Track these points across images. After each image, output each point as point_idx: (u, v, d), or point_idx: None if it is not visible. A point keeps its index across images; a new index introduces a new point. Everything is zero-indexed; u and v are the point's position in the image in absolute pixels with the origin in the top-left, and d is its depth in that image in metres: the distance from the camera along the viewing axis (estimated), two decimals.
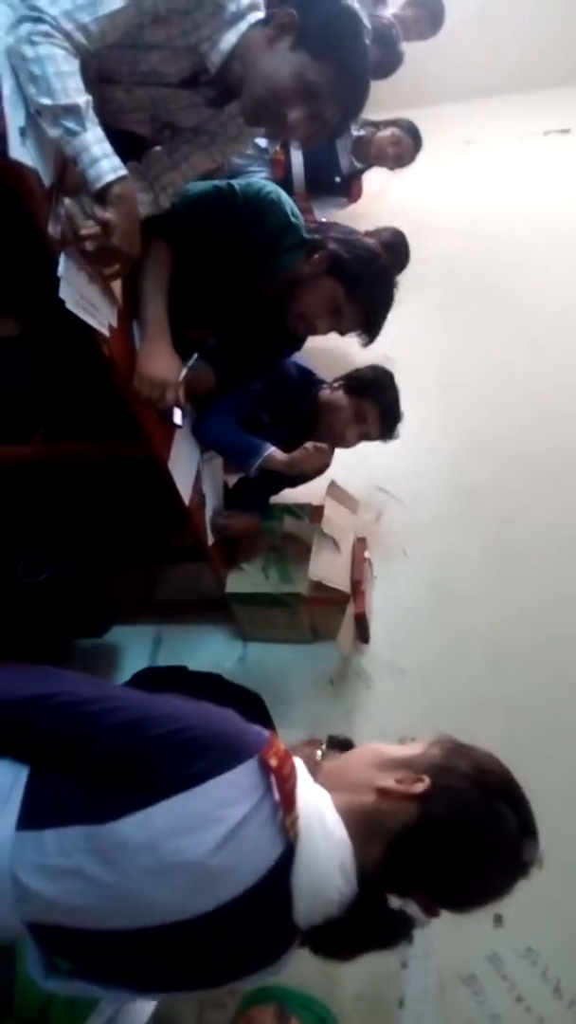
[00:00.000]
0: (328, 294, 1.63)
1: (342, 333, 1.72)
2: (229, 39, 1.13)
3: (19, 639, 1.92)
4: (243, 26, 1.13)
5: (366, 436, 1.99)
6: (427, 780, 0.81)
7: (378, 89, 2.71)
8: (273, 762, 0.77)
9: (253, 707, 1.94)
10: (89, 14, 1.02)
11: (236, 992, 1.50)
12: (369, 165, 2.89)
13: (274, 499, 2.21)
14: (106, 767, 0.77)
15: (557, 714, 2.01)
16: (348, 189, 2.89)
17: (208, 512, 1.94)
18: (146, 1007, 1.23)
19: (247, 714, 1.92)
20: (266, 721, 1.93)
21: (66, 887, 0.76)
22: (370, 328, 1.69)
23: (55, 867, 0.76)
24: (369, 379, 1.98)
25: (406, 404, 2.23)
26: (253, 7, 1.15)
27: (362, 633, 2.11)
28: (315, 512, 2.16)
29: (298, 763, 0.83)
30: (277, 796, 0.76)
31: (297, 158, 2.40)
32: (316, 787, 0.83)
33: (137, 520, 2.23)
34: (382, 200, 3.47)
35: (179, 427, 1.66)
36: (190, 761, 0.75)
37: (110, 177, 1.06)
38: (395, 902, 0.82)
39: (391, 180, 3.20)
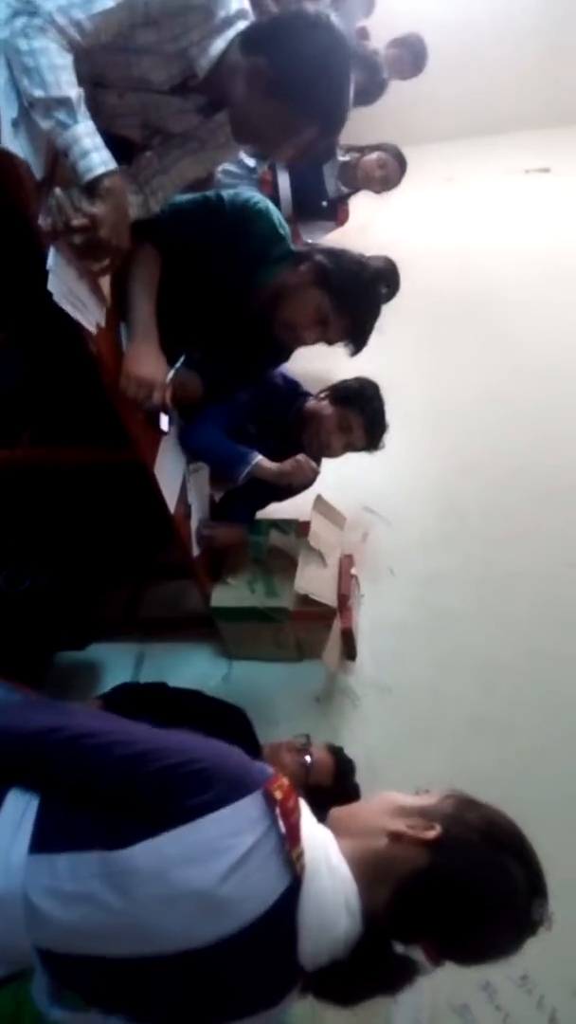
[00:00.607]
0: (315, 305, 1.65)
1: (329, 343, 1.73)
2: (217, 46, 1.16)
3: None
4: (231, 33, 1.16)
5: (351, 446, 1.97)
6: (438, 828, 0.82)
7: (361, 126, 2.85)
8: (278, 795, 0.79)
9: (235, 721, 1.90)
10: (84, 11, 1.04)
11: None
12: (356, 189, 2.96)
13: (260, 514, 2.20)
14: (114, 798, 0.79)
15: (547, 733, 1.98)
16: (335, 213, 2.95)
17: (194, 523, 1.92)
18: None
19: (229, 728, 1.89)
20: (250, 734, 1.89)
21: (77, 912, 0.77)
22: (356, 338, 1.70)
23: (67, 892, 0.77)
24: (354, 389, 1.97)
25: (392, 429, 2.26)
26: (241, 15, 1.18)
27: (349, 650, 2.08)
28: (301, 527, 2.14)
29: (301, 803, 0.83)
30: (283, 828, 0.77)
31: (284, 182, 2.45)
32: (320, 827, 0.84)
33: (122, 537, 2.21)
34: (367, 233, 3.55)
35: (165, 433, 1.65)
36: (197, 792, 0.77)
37: (100, 170, 1.07)
38: (400, 948, 0.83)
39: (376, 213, 3.29)
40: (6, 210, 1.35)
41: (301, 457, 1.85)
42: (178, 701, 1.90)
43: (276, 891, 0.76)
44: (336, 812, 0.90)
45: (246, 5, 1.19)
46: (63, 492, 2.03)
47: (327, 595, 1.97)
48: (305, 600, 1.96)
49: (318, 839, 0.81)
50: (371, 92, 2.67)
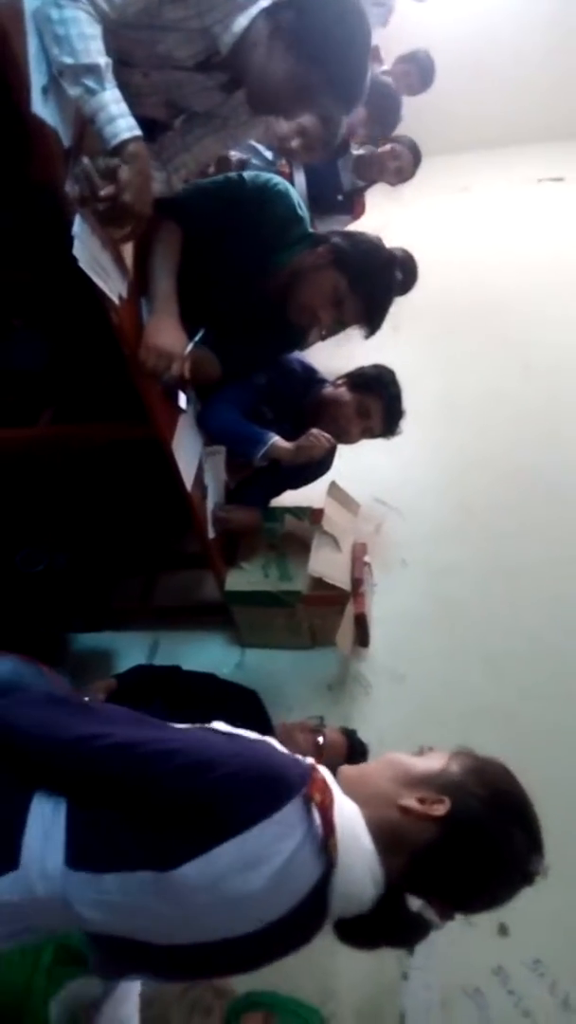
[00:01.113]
0: (331, 285, 1.67)
1: (344, 325, 1.76)
2: (240, 22, 1.20)
3: (14, 631, 1.89)
4: (253, 11, 1.20)
5: (369, 431, 2.00)
6: (447, 802, 0.84)
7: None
8: (317, 798, 0.81)
9: (249, 704, 1.90)
10: None
11: (223, 997, 1.43)
12: (371, 181, 2.99)
13: (275, 502, 2.22)
14: (170, 809, 0.80)
15: (555, 722, 1.97)
16: (351, 206, 2.98)
17: (210, 505, 1.94)
18: (133, 989, 1.17)
19: (243, 712, 1.89)
20: (263, 718, 1.89)
21: (126, 917, 0.80)
22: (371, 319, 1.73)
23: (115, 903, 0.79)
24: (372, 375, 2.00)
25: (405, 424, 2.29)
26: None
27: (362, 636, 2.08)
28: (315, 514, 2.16)
29: (330, 781, 0.85)
30: (319, 824, 0.80)
31: (300, 176, 2.49)
32: (347, 803, 0.85)
33: (139, 523, 2.23)
34: (383, 237, 3.59)
35: (183, 411, 1.68)
36: (247, 803, 0.79)
37: (126, 135, 1.10)
38: (414, 903, 0.87)
39: (392, 218, 3.34)
40: (33, 191, 1.40)
41: (315, 431, 1.87)
42: (191, 683, 1.91)
43: (312, 880, 0.79)
44: (345, 772, 0.92)
45: None
46: (82, 476, 2.06)
47: (341, 579, 1.98)
48: (319, 584, 1.97)
49: (347, 819, 0.83)
50: (388, 123, 2.73)
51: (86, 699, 1.05)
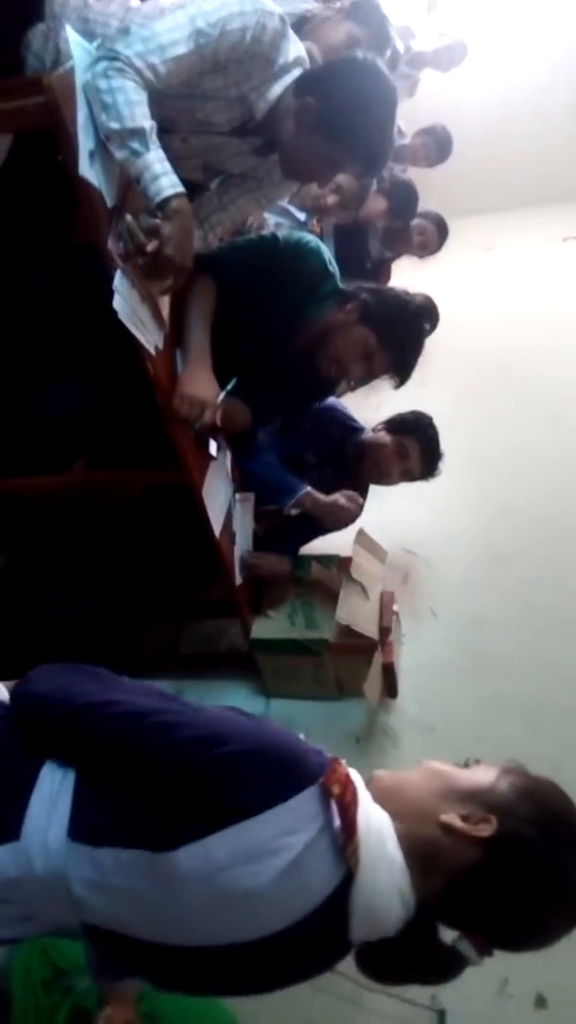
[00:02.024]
0: (361, 340, 1.71)
1: (375, 377, 1.79)
2: (275, 91, 1.28)
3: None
4: (287, 79, 1.29)
5: (408, 473, 2.08)
6: (494, 822, 0.77)
7: None
8: (336, 789, 0.75)
9: None
10: (158, 56, 1.17)
11: None
12: (398, 253, 3.10)
13: (303, 550, 2.22)
14: (168, 785, 0.76)
15: None
16: (378, 275, 3.09)
17: (237, 551, 1.94)
18: None
19: None
20: None
21: (122, 906, 0.75)
22: (401, 371, 1.76)
23: (112, 886, 0.75)
24: (410, 419, 2.10)
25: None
26: (298, 62, 1.30)
27: (390, 686, 2.04)
28: (343, 563, 2.15)
29: (358, 782, 0.80)
30: (338, 824, 0.74)
31: (329, 243, 2.59)
32: (376, 809, 0.79)
33: (168, 571, 2.24)
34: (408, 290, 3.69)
35: (214, 458, 1.71)
36: (252, 786, 0.73)
37: (169, 192, 1.17)
38: (449, 935, 0.79)
39: (419, 277, 3.43)
40: (75, 249, 1.47)
41: (349, 493, 1.93)
42: None
43: (329, 886, 0.73)
44: (382, 779, 0.85)
45: (303, 53, 1.31)
46: (114, 522, 2.10)
47: (369, 627, 1.96)
48: (346, 632, 1.95)
49: (374, 825, 0.76)
50: (406, 215, 2.86)
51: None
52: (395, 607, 2.12)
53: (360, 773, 1.87)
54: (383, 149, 1.34)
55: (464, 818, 0.78)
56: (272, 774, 0.74)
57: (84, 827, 0.76)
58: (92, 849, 0.75)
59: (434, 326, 2.91)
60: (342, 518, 1.98)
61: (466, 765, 0.86)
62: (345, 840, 0.73)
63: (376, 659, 1.95)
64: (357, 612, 1.97)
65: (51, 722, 0.82)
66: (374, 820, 0.77)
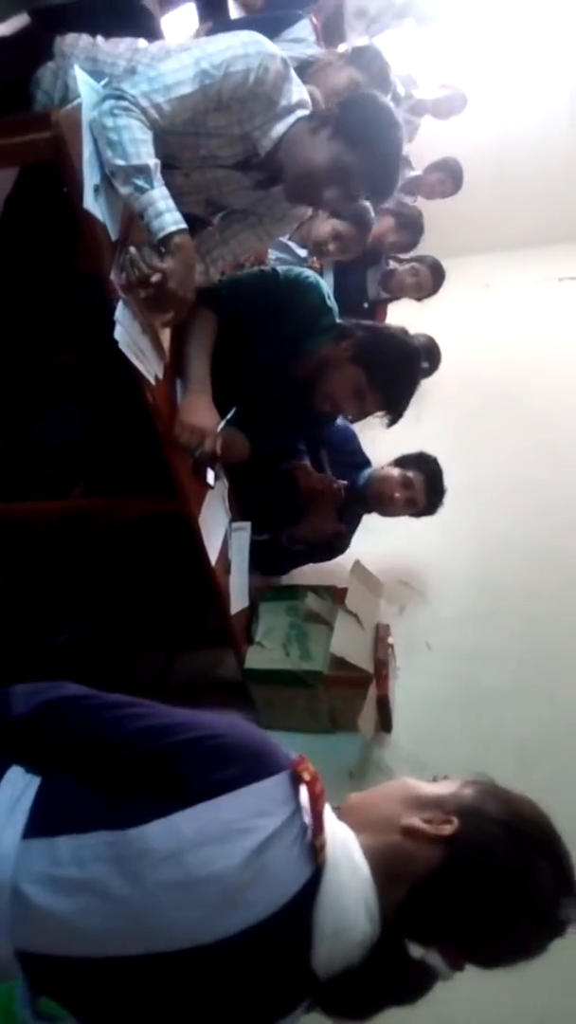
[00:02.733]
0: (352, 379, 1.74)
1: (367, 414, 1.81)
2: (278, 129, 1.33)
3: None
4: (291, 119, 1.33)
5: (412, 503, 2.18)
6: (456, 822, 0.75)
7: None
8: (306, 776, 0.74)
9: None
10: (163, 96, 1.20)
11: None
12: (394, 296, 3.18)
13: (298, 580, 2.22)
14: (133, 771, 0.74)
15: None
16: (374, 315, 3.16)
17: (233, 581, 1.93)
18: None
19: None
20: None
21: (77, 902, 0.70)
22: (392, 411, 1.78)
23: (68, 879, 0.70)
24: (414, 456, 2.24)
25: None
26: (301, 104, 1.35)
27: (384, 720, 2.02)
28: (338, 594, 2.14)
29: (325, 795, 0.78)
30: (308, 815, 0.72)
31: (328, 281, 2.66)
32: (341, 826, 0.77)
33: (163, 600, 2.23)
34: (407, 329, 3.74)
35: (211, 487, 1.71)
36: (220, 767, 0.72)
37: (171, 228, 1.19)
38: (417, 951, 0.75)
39: (417, 315, 3.49)
40: (78, 280, 1.49)
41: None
42: None
43: (296, 882, 0.70)
44: (352, 799, 0.84)
45: (306, 96, 1.35)
46: (111, 549, 2.09)
47: (363, 659, 1.94)
48: (341, 664, 1.93)
49: (339, 836, 0.75)
50: (414, 231, 2.95)
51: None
52: (390, 640, 2.10)
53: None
54: (393, 172, 1.38)
55: (426, 821, 0.76)
56: (243, 757, 0.74)
57: (40, 822, 0.74)
58: (48, 841, 0.72)
59: (435, 367, 2.96)
60: (326, 526, 2.05)
61: (434, 779, 0.85)
62: (315, 834, 0.71)
63: (371, 692, 1.93)
64: (352, 644, 1.95)
65: (20, 716, 0.80)
66: (339, 831, 0.76)
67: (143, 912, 0.69)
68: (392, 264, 3.24)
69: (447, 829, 0.75)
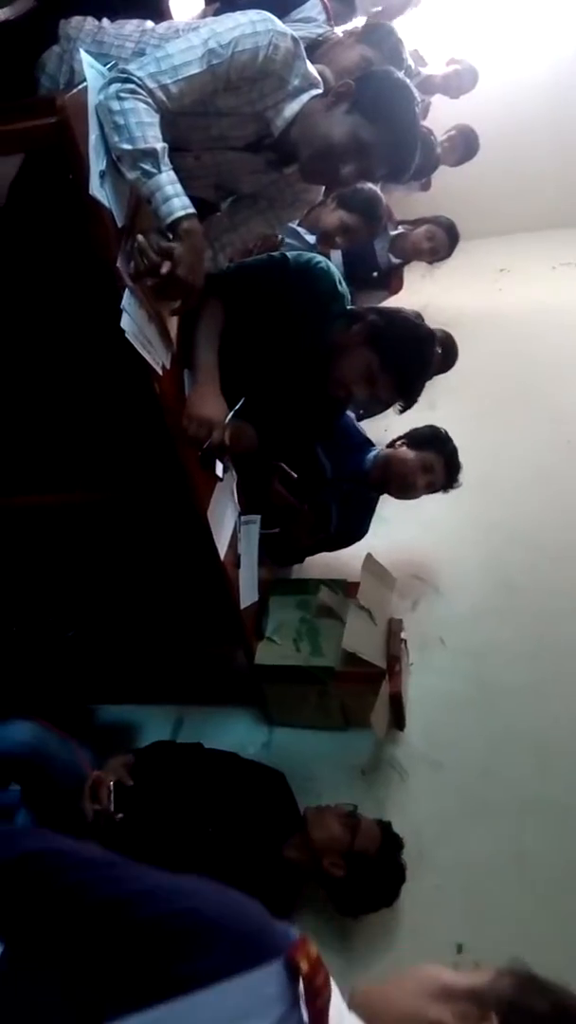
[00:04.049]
0: (364, 363, 1.69)
1: (379, 400, 1.77)
2: (292, 108, 1.29)
3: (41, 699, 1.85)
4: (304, 97, 1.29)
5: (432, 486, 2.16)
6: (494, 1019, 0.65)
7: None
8: (304, 966, 0.60)
9: (274, 787, 1.81)
10: (170, 76, 1.16)
11: None
12: (407, 260, 3.08)
13: (309, 574, 2.19)
14: (93, 951, 0.63)
15: None
16: (388, 282, 3.06)
17: (243, 574, 1.90)
18: None
19: (267, 796, 1.79)
20: (289, 799, 1.79)
21: None
22: (404, 397, 1.73)
23: None
24: (428, 434, 2.19)
25: (443, 500, 2.30)
26: (313, 84, 1.30)
27: (397, 718, 1.98)
28: (350, 588, 2.10)
29: (332, 983, 0.66)
30: (306, 1015, 0.60)
31: (336, 256, 2.58)
32: (351, 1016, 0.66)
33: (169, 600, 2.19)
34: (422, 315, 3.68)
35: (220, 479, 1.68)
36: (196, 954, 0.60)
37: (180, 213, 1.16)
38: None
39: (431, 298, 3.43)
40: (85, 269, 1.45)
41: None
42: (212, 763, 1.84)
43: None
44: (367, 992, 0.71)
45: (316, 74, 1.31)
46: (119, 547, 2.05)
47: (376, 655, 1.91)
48: (352, 660, 1.89)
49: None
50: (426, 167, 2.83)
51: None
52: (403, 635, 2.07)
53: (365, 808, 1.81)
54: (411, 149, 1.34)
55: (460, 1017, 0.66)
56: (227, 940, 0.61)
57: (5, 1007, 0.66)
58: None
59: (452, 363, 2.89)
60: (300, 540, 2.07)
61: (457, 967, 0.76)
62: None
63: (383, 689, 1.90)
64: (364, 639, 1.92)
65: None
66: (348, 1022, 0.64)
67: None
68: (401, 227, 3.13)
69: None
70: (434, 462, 2.13)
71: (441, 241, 3.00)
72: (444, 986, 0.70)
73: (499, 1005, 0.66)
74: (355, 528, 2.24)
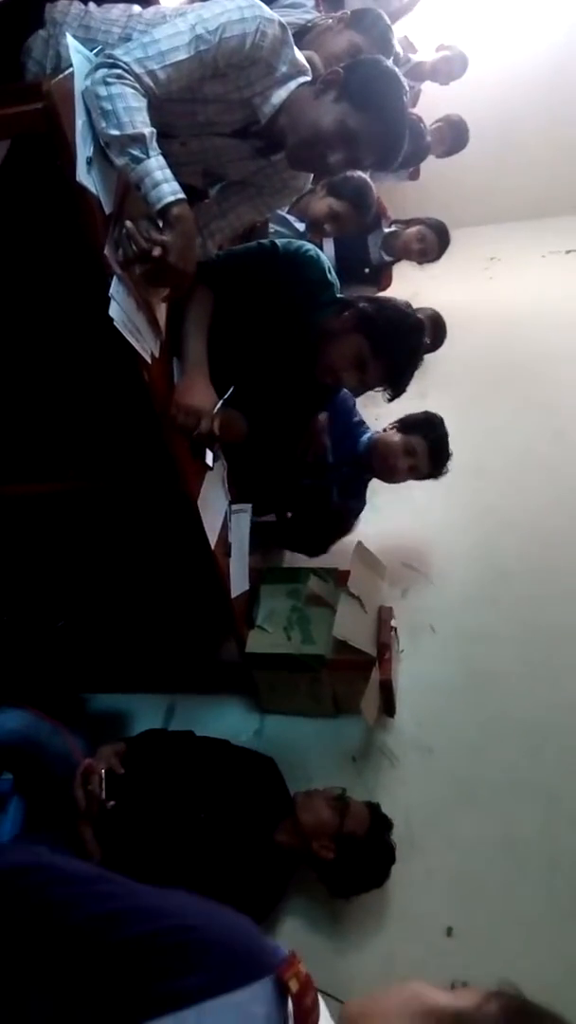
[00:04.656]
0: (354, 349, 1.69)
1: (368, 387, 1.77)
2: (279, 95, 1.28)
3: (32, 688, 1.85)
4: (292, 85, 1.29)
5: (416, 470, 2.18)
6: None
7: (410, 211, 2.97)
8: (293, 986, 0.61)
9: (265, 772, 1.83)
10: (157, 62, 1.15)
11: None
12: (397, 258, 3.09)
13: (299, 563, 2.20)
14: (83, 969, 0.62)
15: None
16: (378, 279, 3.08)
17: (233, 563, 1.91)
18: None
19: (258, 781, 1.80)
20: (280, 785, 1.80)
21: None
22: (394, 384, 1.74)
23: None
24: (419, 419, 2.21)
25: (433, 487, 2.32)
26: (301, 71, 1.30)
27: (387, 705, 2.00)
28: (341, 576, 2.12)
29: (320, 1004, 0.67)
30: None
31: (328, 249, 2.58)
32: None
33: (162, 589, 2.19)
34: (413, 304, 3.67)
35: (210, 468, 1.68)
36: (187, 970, 0.59)
37: (170, 198, 1.15)
38: None
39: (422, 286, 3.42)
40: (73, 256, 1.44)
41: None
42: (204, 750, 1.85)
43: None
44: (352, 1007, 0.70)
45: (304, 61, 1.30)
46: (111, 537, 2.05)
47: (366, 643, 1.92)
48: (343, 648, 1.91)
49: None
50: (416, 155, 2.83)
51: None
52: (393, 623, 2.08)
53: (356, 793, 1.83)
54: (398, 138, 1.33)
55: None
56: (216, 958, 0.61)
57: None
58: None
59: (441, 342, 2.89)
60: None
61: (452, 987, 0.72)
62: None
63: (373, 676, 1.91)
64: (355, 627, 1.93)
65: None
66: None
67: None
68: (395, 226, 3.14)
69: None
70: (417, 447, 2.14)
71: (431, 243, 3.05)
72: (430, 1009, 0.67)
73: None
74: (355, 505, 2.29)
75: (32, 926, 0.65)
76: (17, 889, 0.67)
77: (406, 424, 2.20)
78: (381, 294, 3.04)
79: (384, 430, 2.22)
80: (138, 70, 1.13)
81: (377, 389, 1.77)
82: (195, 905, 0.68)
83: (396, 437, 2.16)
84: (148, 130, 1.13)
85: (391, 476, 2.19)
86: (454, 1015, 0.66)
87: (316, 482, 2.16)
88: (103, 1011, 0.60)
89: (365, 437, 2.23)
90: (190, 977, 0.59)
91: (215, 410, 1.48)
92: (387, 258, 3.06)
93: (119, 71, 1.12)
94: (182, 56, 1.16)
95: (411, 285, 3.46)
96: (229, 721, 2.18)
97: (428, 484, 2.28)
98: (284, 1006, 0.60)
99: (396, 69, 1.30)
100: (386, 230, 2.99)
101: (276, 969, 0.61)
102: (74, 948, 0.63)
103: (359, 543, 2.13)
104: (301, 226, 2.44)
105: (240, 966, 0.61)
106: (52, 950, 0.64)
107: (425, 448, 2.14)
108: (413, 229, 3.02)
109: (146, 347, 1.37)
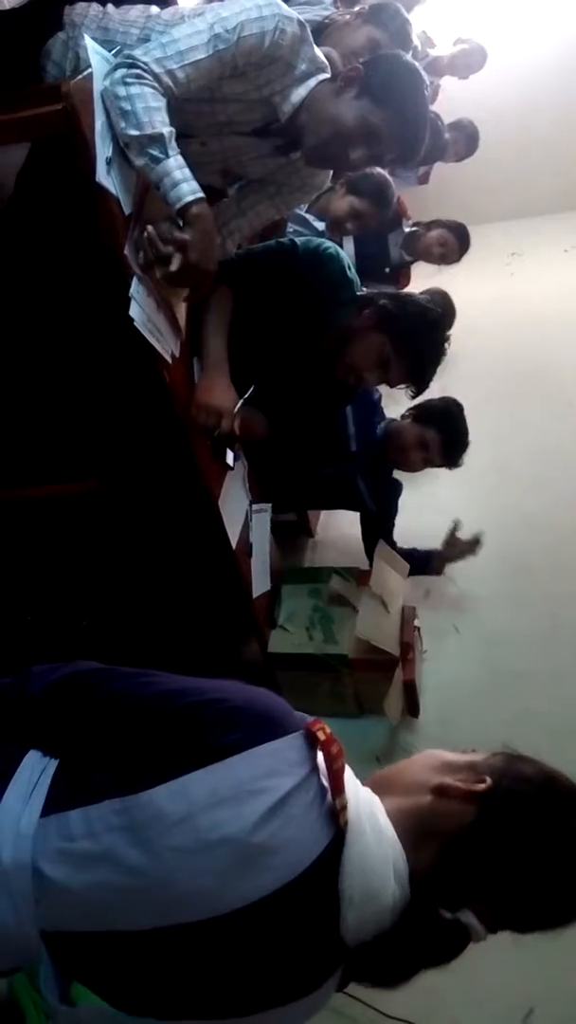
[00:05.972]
0: (376, 347, 1.68)
1: (391, 385, 1.76)
2: (299, 93, 1.27)
3: None
4: (312, 82, 1.28)
5: (430, 462, 2.14)
6: (489, 781, 0.75)
7: (429, 207, 2.95)
8: (321, 736, 0.72)
9: None
10: (176, 62, 1.15)
11: None
12: (417, 259, 3.07)
13: (321, 563, 2.19)
14: (144, 737, 0.74)
15: None
16: (396, 278, 3.06)
17: (255, 562, 1.90)
18: None
19: None
20: None
21: (93, 876, 0.69)
22: (417, 381, 1.72)
23: (82, 852, 0.70)
24: (437, 409, 2.14)
25: (453, 485, 2.28)
26: (320, 68, 1.29)
27: (411, 705, 1.98)
28: (363, 576, 2.10)
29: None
30: (325, 776, 0.71)
31: (348, 247, 2.57)
32: (365, 790, 0.77)
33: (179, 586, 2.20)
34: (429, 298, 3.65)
35: (231, 468, 1.68)
36: (229, 730, 0.70)
37: (189, 198, 1.15)
38: (448, 915, 0.73)
39: (441, 283, 3.39)
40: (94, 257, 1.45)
41: None
42: None
43: (317, 846, 0.69)
44: (379, 772, 0.84)
45: (323, 58, 1.29)
46: (128, 537, 2.06)
47: (389, 642, 1.90)
48: (366, 647, 1.89)
49: (363, 797, 0.74)
50: (435, 152, 2.80)
51: None
52: (416, 622, 2.07)
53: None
54: (424, 123, 1.33)
55: (458, 780, 0.76)
56: (252, 719, 0.72)
57: (55, 801, 0.74)
58: (61, 816, 0.72)
59: (450, 323, 2.86)
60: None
61: (465, 752, 0.85)
62: (334, 795, 0.69)
63: (397, 676, 1.90)
64: (377, 627, 1.92)
65: (40, 690, 0.81)
66: (362, 794, 0.75)
67: (156, 879, 0.67)
68: (414, 227, 3.12)
69: (479, 786, 0.75)
70: (431, 440, 2.09)
71: (452, 247, 3.03)
72: (446, 762, 0.81)
73: (493, 771, 0.77)
74: (389, 498, 2.25)
75: (104, 712, 0.76)
76: (85, 689, 0.78)
77: (422, 413, 2.14)
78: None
79: (402, 416, 2.19)
80: (157, 70, 1.13)
81: (399, 387, 1.76)
82: (229, 684, 0.78)
83: (410, 429, 2.13)
84: (167, 130, 1.13)
85: (404, 467, 2.18)
86: (466, 764, 0.80)
87: (338, 470, 2.14)
88: (159, 765, 0.70)
89: (382, 424, 2.21)
90: (234, 733, 0.70)
91: (236, 409, 1.48)
92: (407, 258, 3.04)
93: (138, 71, 1.12)
94: (201, 55, 1.16)
95: (430, 283, 3.42)
96: None
97: (450, 481, 2.26)
98: (314, 753, 0.72)
99: (416, 64, 1.29)
100: (406, 230, 2.97)
101: (305, 726, 0.73)
102: (140, 720, 0.74)
103: (381, 542, 2.11)
104: (320, 225, 2.43)
105: (274, 723, 0.72)
106: (121, 727, 0.75)
107: (439, 441, 2.10)
108: (434, 232, 2.99)
109: (167, 347, 1.37)
